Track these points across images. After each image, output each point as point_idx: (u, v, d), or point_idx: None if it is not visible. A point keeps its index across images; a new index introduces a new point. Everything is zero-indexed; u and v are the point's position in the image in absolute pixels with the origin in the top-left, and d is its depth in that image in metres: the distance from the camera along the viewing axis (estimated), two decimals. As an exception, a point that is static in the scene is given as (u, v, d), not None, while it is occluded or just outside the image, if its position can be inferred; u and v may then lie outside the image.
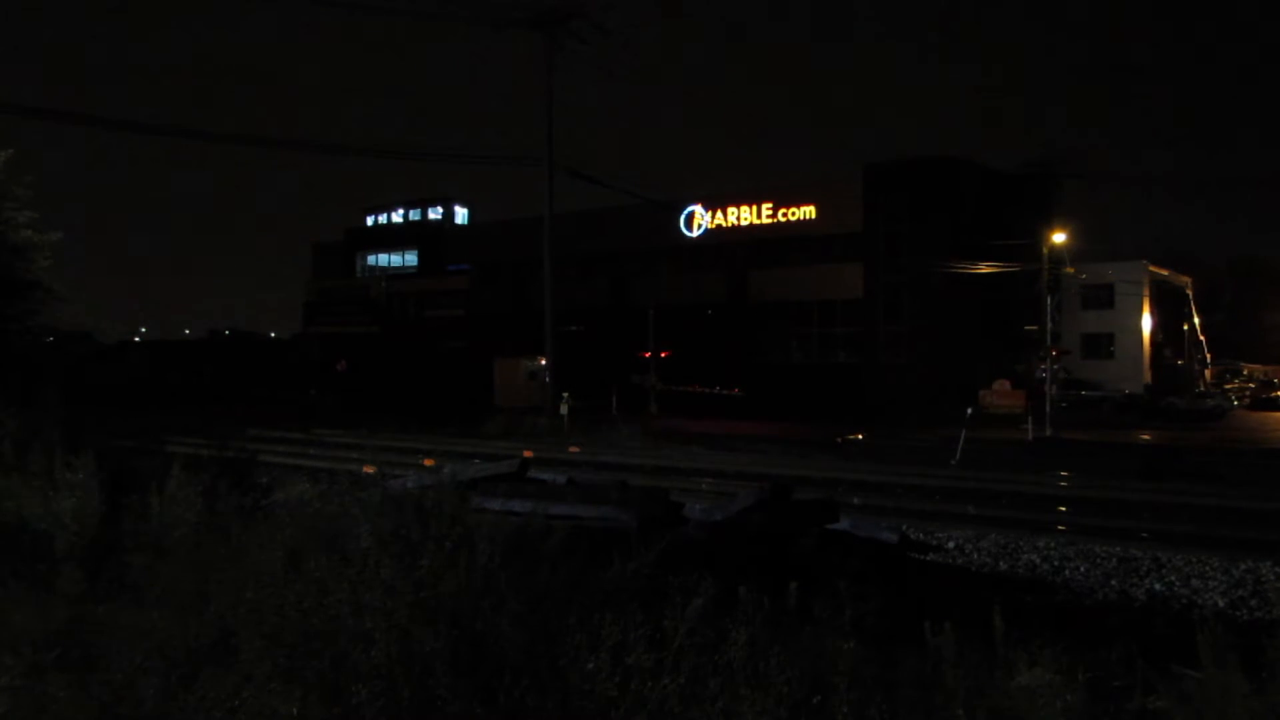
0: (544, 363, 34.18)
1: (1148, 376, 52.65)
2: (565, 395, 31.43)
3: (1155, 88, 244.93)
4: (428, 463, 22.39)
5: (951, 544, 12.28)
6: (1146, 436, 34.92)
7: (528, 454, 24.85)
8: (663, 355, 47.82)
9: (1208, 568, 10.85)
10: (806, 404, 44.50)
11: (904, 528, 12.33)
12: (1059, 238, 39.47)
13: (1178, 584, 10.63)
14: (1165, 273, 57.43)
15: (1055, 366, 35.06)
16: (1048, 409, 33.60)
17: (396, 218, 77.79)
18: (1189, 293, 60.55)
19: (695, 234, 55.38)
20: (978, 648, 6.02)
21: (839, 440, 29.01)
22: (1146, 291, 53.05)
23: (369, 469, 20.00)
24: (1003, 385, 40.93)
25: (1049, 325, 36.76)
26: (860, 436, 30.95)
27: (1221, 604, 10.12)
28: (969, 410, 24.28)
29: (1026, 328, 44.01)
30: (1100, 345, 53.60)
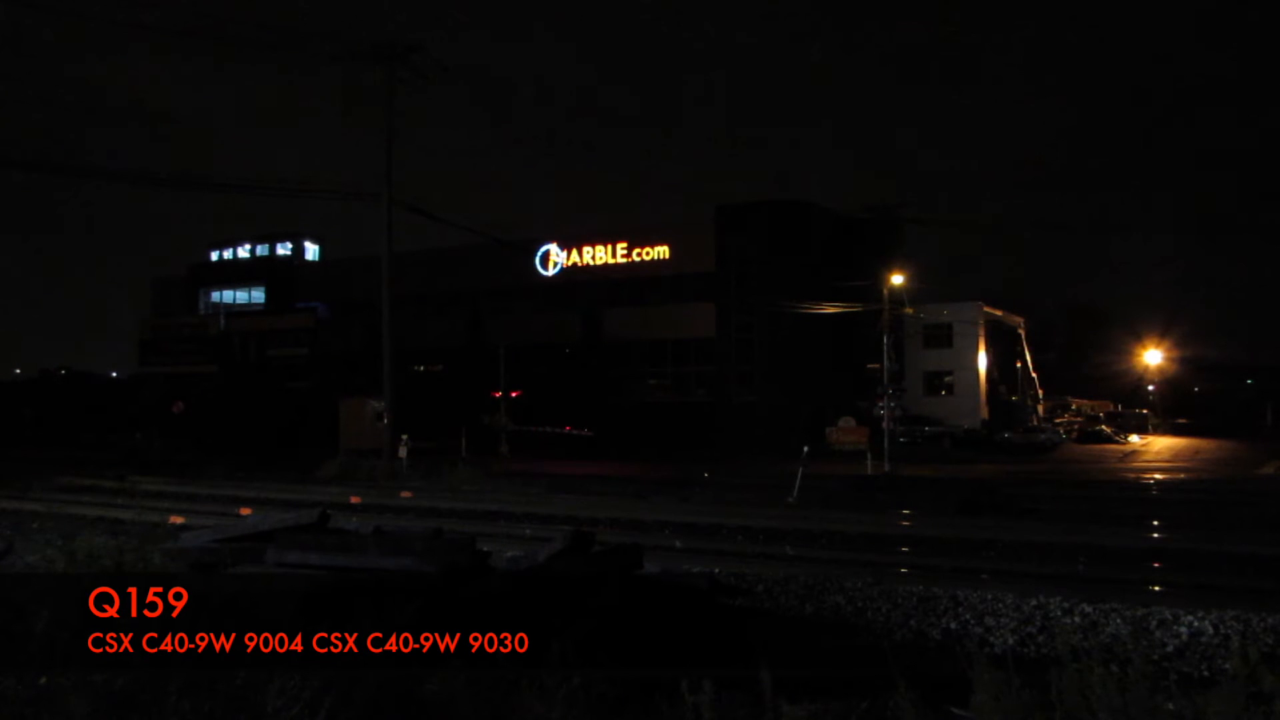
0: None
1: (984, 412, 55.12)
2: (405, 437, 30.42)
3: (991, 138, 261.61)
4: (244, 512, 21.11)
5: (760, 587, 12.14)
6: (983, 470, 36.31)
7: (355, 499, 23.88)
8: (513, 395, 47.18)
9: (1001, 605, 11.00)
10: (662, 443, 44.62)
11: (716, 571, 12.14)
12: (897, 279, 41.03)
13: (972, 622, 10.73)
14: (999, 313, 60.47)
15: (891, 404, 36.20)
16: (885, 445, 34.57)
17: (244, 253, 74.59)
18: (1022, 333, 63.92)
19: (551, 273, 55.22)
20: (749, 699, 5.79)
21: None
22: (982, 331, 55.68)
23: (176, 519, 18.73)
24: (848, 422, 42.05)
25: (886, 364, 37.99)
26: (707, 475, 31.07)
27: (1011, 641, 10.26)
28: (805, 449, 24.62)
29: (869, 365, 45.42)
30: (940, 382, 55.90)
